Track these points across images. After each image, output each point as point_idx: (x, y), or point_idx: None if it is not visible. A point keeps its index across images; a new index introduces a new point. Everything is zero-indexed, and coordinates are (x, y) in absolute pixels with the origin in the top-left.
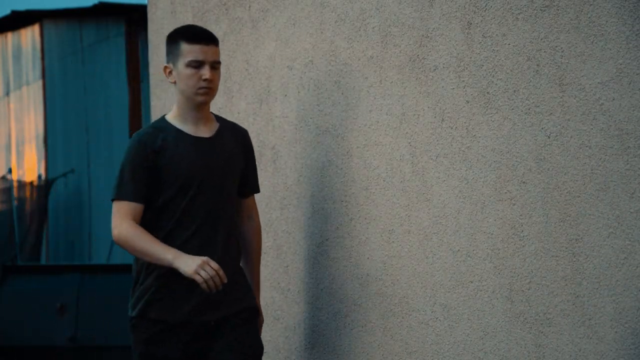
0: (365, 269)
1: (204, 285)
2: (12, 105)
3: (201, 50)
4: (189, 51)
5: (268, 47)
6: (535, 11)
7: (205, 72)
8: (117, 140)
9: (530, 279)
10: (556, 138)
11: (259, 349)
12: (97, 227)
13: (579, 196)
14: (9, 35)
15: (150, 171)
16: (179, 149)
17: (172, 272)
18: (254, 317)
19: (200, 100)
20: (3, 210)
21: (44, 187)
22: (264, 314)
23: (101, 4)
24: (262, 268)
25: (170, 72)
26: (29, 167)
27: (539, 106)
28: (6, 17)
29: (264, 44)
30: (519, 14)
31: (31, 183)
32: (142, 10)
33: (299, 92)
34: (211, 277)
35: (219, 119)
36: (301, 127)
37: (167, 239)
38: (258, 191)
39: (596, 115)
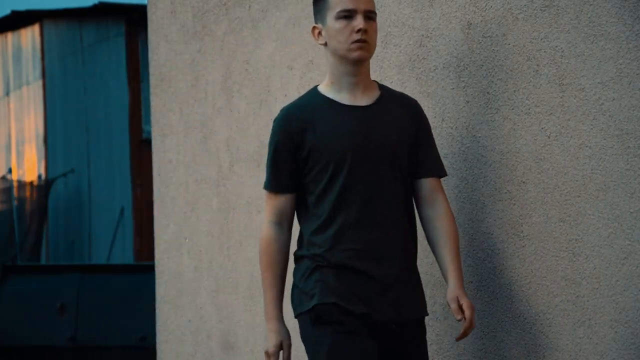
0: None
1: None
2: (12, 105)
3: None
4: (338, 1)
5: (268, 47)
6: (535, 11)
7: (358, 22)
8: (117, 140)
9: (530, 279)
10: (556, 138)
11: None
12: (97, 227)
13: (579, 196)
14: (9, 35)
15: (299, 152)
16: (331, 121)
17: (346, 264)
18: (424, 329)
19: (355, 56)
20: (3, 210)
21: (44, 187)
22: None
23: (101, 4)
24: None
25: (319, 33)
26: (29, 167)
27: (539, 106)
28: (6, 17)
29: (264, 44)
30: (519, 14)
31: (31, 183)
32: (142, 10)
33: (299, 92)
34: None
35: (382, 87)
36: None
37: (326, 228)
38: (442, 174)
39: (596, 115)
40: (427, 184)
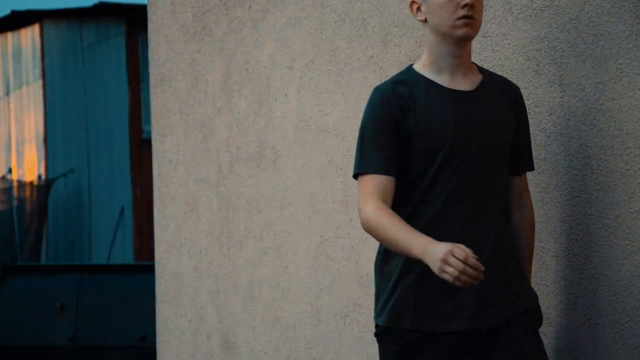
0: (365, 269)
1: (457, 284)
2: (12, 105)
3: None
4: None
5: (268, 47)
6: (535, 11)
7: None
8: (117, 140)
9: (531, 279)
10: (556, 138)
11: None
12: (97, 227)
13: (579, 196)
14: (9, 35)
15: (398, 133)
16: (430, 105)
17: (422, 266)
18: (537, 322)
19: (460, 34)
20: (3, 210)
21: (44, 187)
22: (264, 314)
23: (101, 4)
24: (261, 268)
25: (418, 9)
26: (29, 167)
27: (539, 106)
28: (6, 17)
29: (264, 44)
30: (519, 14)
31: (31, 183)
32: (142, 10)
33: (299, 92)
34: (460, 273)
35: (482, 70)
36: (301, 127)
37: (414, 221)
38: (532, 168)
39: (596, 115)
40: (518, 181)
